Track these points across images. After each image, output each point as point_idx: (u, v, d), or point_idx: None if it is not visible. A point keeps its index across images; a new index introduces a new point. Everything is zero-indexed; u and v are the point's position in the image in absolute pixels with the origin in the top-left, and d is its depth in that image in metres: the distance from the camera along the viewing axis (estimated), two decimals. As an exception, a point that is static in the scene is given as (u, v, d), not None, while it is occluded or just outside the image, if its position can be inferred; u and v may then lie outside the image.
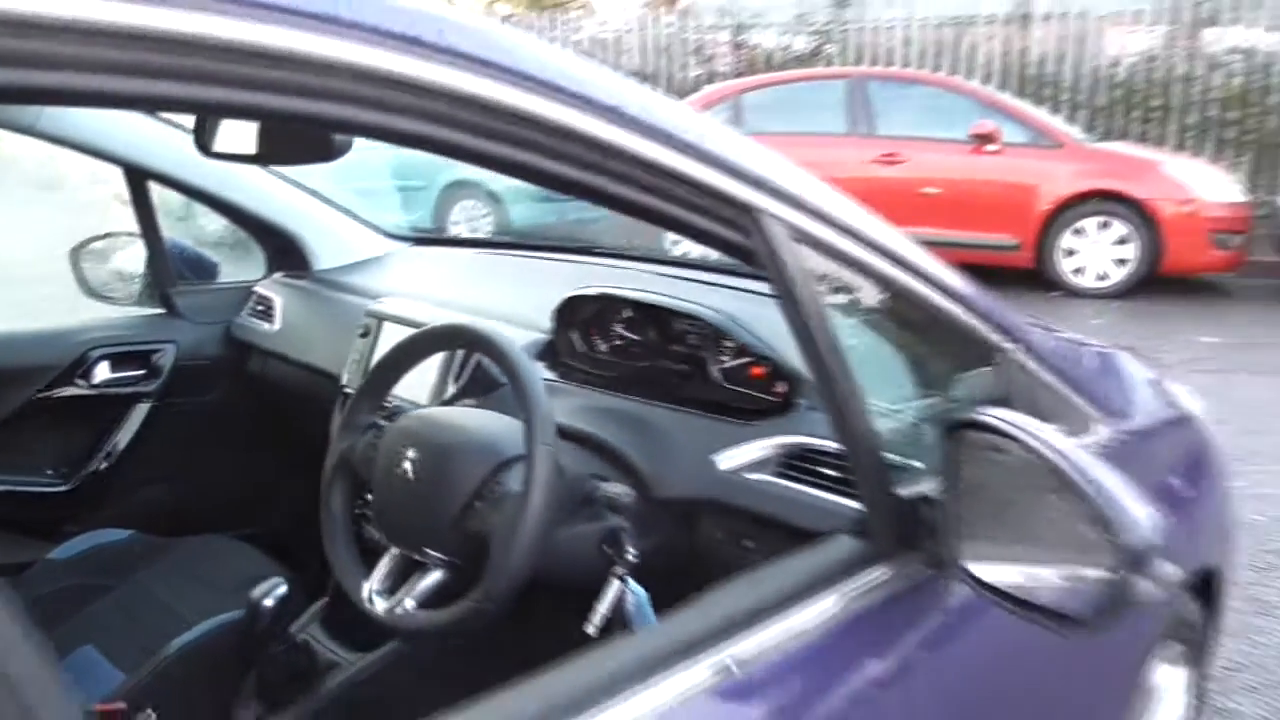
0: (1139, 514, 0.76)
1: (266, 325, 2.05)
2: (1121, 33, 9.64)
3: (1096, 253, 6.66)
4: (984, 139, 6.74)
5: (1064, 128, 7.39)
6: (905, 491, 0.92)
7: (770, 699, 0.81)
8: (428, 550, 1.15)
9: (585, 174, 0.73)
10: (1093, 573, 0.77)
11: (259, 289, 2.13)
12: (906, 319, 1.07)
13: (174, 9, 0.49)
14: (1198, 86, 9.23)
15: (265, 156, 1.24)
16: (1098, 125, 9.45)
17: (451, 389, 1.49)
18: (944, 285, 1.03)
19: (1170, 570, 0.82)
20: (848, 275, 0.94)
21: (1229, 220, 6.49)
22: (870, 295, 1.00)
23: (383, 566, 1.22)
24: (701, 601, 0.83)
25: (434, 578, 1.15)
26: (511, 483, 1.13)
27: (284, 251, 2.10)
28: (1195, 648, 1.61)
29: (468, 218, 7.80)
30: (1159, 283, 6.53)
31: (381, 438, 1.26)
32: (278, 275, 2.14)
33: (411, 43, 0.59)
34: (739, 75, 10.28)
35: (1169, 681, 1.59)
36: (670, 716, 0.71)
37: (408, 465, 1.16)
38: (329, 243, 2.08)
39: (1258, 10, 9.05)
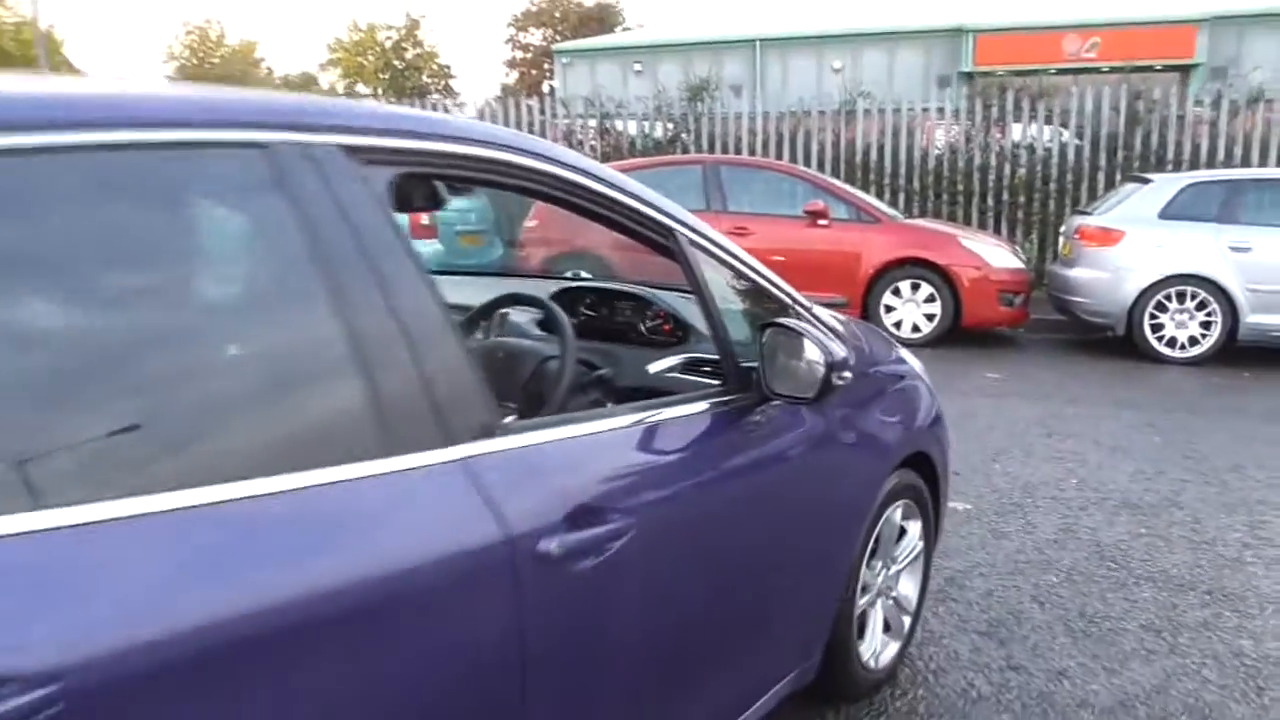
0: (838, 349, 1.79)
1: None
2: (930, 128, 11.33)
3: (910, 310, 8.04)
4: (816, 215, 8.09)
5: (881, 206, 8.85)
6: (745, 364, 1.93)
7: (662, 439, 1.71)
8: (506, 403, 2.08)
9: (594, 206, 1.71)
10: (817, 378, 1.79)
11: None
12: (744, 289, 2.09)
13: (505, 154, 1.49)
14: (992, 175, 10.95)
15: (400, 207, 2.06)
16: (913, 206, 11.06)
17: (492, 335, 2.41)
18: (762, 273, 2.06)
19: (848, 375, 1.84)
20: (715, 264, 1.96)
21: (1012, 283, 7.99)
22: (726, 276, 2.02)
23: None
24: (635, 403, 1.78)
25: (510, 419, 2.08)
26: (552, 366, 2.07)
27: None
28: (921, 505, 2.67)
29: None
30: (962, 335, 7.95)
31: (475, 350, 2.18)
32: None
33: (536, 155, 1.58)
34: (605, 158, 11.50)
35: (909, 526, 2.65)
36: (612, 432, 1.60)
37: (497, 359, 2.10)
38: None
39: (1037, 111, 10.89)
